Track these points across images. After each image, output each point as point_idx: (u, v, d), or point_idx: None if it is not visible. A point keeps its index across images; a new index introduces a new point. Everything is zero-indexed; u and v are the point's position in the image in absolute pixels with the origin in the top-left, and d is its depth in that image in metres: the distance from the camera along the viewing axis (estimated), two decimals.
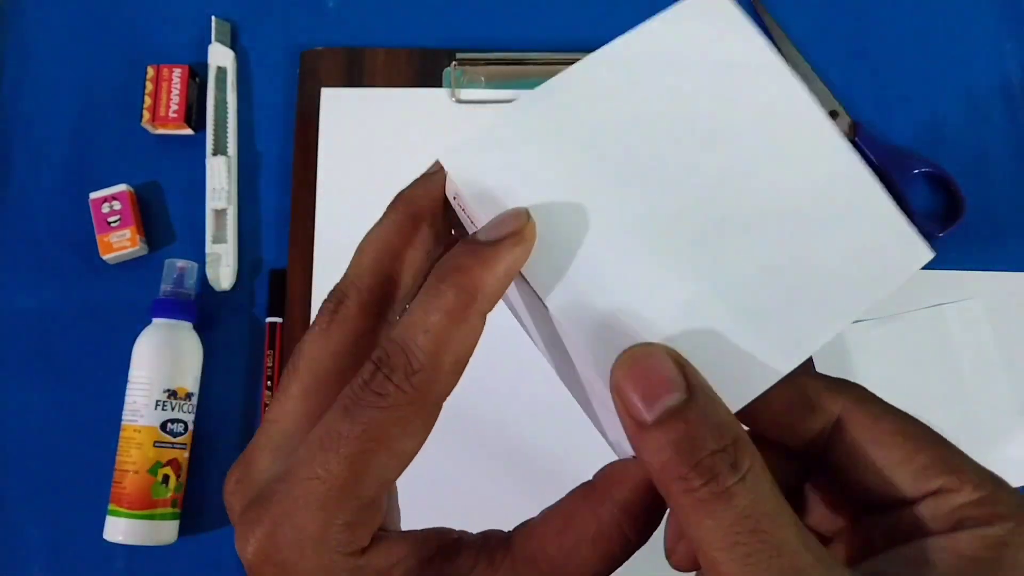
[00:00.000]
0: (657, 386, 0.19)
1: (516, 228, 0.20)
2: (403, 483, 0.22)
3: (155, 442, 0.51)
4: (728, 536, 0.17)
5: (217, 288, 0.57)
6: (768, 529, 0.18)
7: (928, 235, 0.58)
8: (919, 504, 0.20)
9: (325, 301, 0.22)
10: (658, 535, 0.22)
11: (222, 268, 0.57)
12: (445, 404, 0.20)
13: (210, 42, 0.61)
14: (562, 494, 0.22)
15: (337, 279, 0.24)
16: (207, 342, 0.56)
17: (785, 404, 0.22)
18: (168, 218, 0.59)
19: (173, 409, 0.52)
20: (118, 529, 0.51)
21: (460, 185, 0.21)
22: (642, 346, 0.19)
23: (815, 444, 0.22)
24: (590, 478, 0.21)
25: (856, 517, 0.23)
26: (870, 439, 0.21)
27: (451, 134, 0.59)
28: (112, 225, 0.56)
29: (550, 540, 0.20)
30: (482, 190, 0.21)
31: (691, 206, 0.21)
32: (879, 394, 0.22)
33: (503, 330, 0.25)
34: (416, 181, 0.23)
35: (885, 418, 0.21)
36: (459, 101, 0.60)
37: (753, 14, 0.63)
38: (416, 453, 0.20)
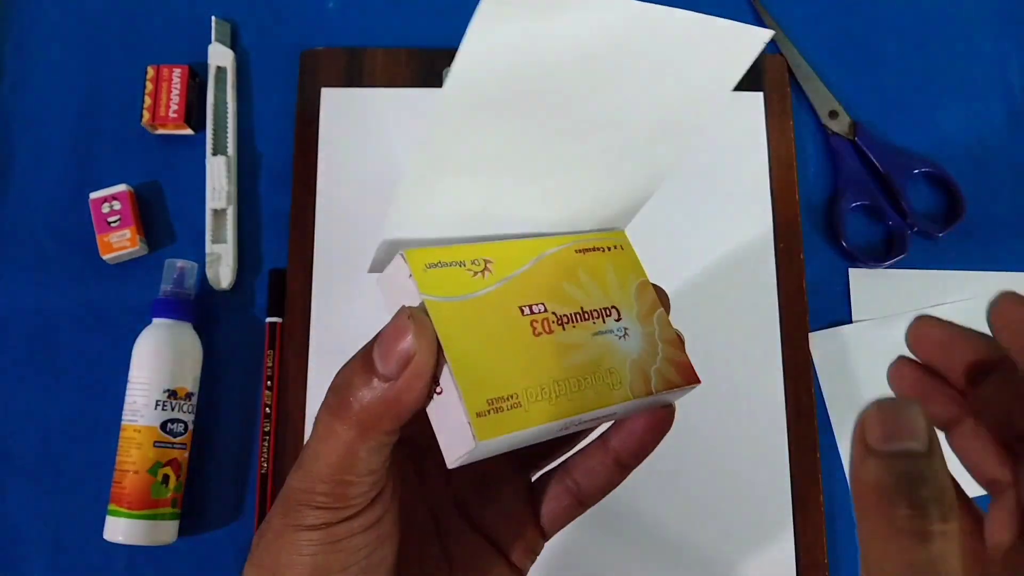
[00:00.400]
0: (901, 429, 0.21)
1: (406, 362, 0.25)
2: None
3: (155, 442, 0.51)
4: (907, 571, 0.20)
5: (217, 288, 0.57)
6: None
7: (928, 235, 0.58)
8: None
9: None
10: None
11: (222, 268, 0.57)
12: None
13: (210, 42, 0.61)
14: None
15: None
16: (207, 342, 0.56)
17: None
18: (168, 218, 0.59)
19: (173, 409, 0.52)
20: (118, 529, 0.51)
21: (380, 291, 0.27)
22: (904, 400, 0.22)
23: None
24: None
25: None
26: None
27: None
28: (112, 225, 0.56)
29: None
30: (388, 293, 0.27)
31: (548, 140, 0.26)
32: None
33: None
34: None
35: None
36: None
37: (752, 13, 0.63)
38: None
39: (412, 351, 0.24)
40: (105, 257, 0.56)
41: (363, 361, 0.25)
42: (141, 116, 0.59)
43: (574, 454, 0.33)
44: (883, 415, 0.21)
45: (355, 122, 0.59)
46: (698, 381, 0.31)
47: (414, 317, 0.24)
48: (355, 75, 0.60)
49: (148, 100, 0.59)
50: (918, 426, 0.21)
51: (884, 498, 0.20)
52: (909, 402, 0.22)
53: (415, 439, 0.29)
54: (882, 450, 0.21)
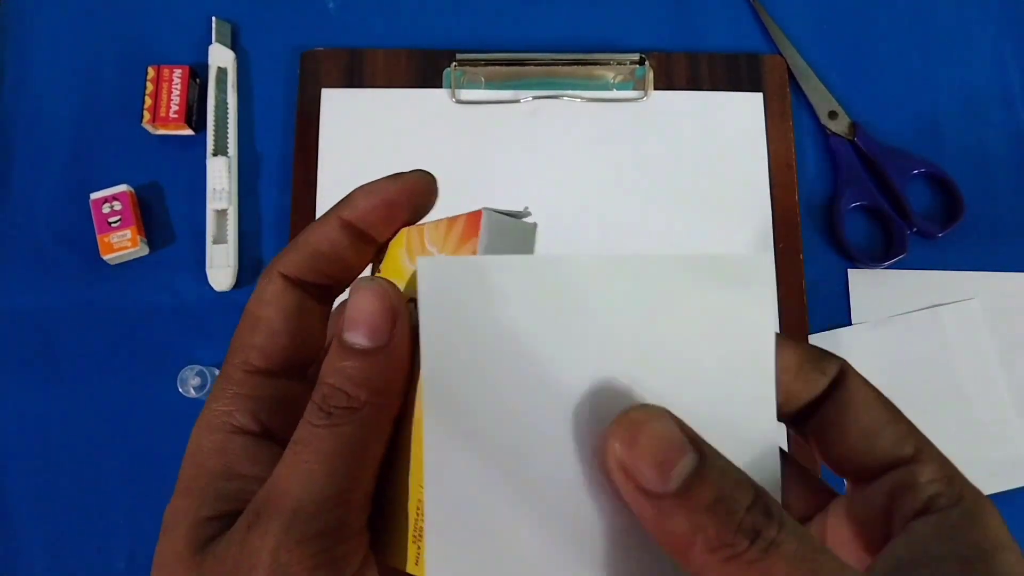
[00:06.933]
0: (668, 451, 0.17)
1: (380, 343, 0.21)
2: None
3: None
4: None
5: (217, 288, 0.57)
6: (822, 566, 0.17)
7: (928, 235, 0.58)
8: (893, 473, 0.21)
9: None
10: None
11: (222, 268, 0.57)
12: None
13: (210, 43, 0.61)
14: None
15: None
16: (206, 343, 0.56)
17: (790, 365, 0.22)
18: (169, 218, 0.59)
19: None
20: None
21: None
22: (639, 410, 0.18)
23: (806, 408, 0.23)
24: None
25: (824, 502, 0.23)
26: (861, 401, 0.21)
27: (451, 134, 0.59)
28: (113, 225, 0.57)
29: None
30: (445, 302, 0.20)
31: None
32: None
33: None
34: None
35: (869, 385, 0.22)
36: (459, 102, 0.60)
37: (752, 14, 0.63)
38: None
39: None
40: (106, 257, 0.56)
41: None
42: (142, 117, 0.59)
43: None
44: (639, 444, 0.17)
45: (355, 122, 0.59)
46: None
47: None
48: (355, 76, 0.60)
49: (149, 101, 0.59)
50: (674, 434, 0.18)
51: (715, 544, 0.17)
52: (647, 409, 0.18)
53: None
54: (670, 492, 0.17)
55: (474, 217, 0.21)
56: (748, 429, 0.20)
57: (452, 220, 0.22)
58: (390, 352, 0.21)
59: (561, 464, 0.19)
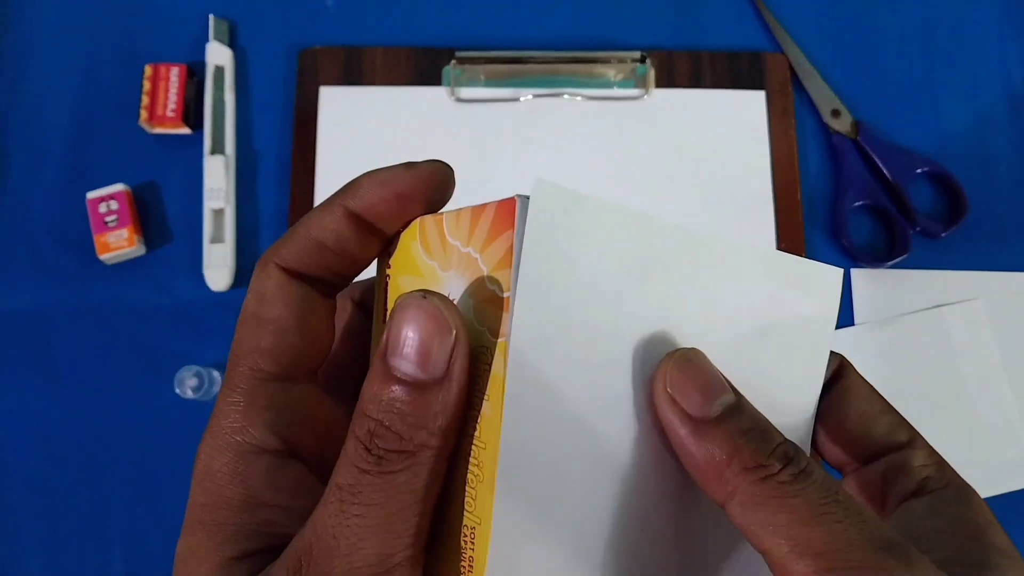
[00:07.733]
0: (713, 383, 0.19)
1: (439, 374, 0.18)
2: None
3: None
4: (815, 509, 0.18)
5: (214, 288, 0.57)
6: (846, 497, 0.18)
7: (931, 235, 0.58)
8: (888, 458, 0.22)
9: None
10: None
11: (220, 268, 0.57)
12: None
13: (208, 41, 0.60)
14: None
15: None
16: (204, 343, 0.55)
17: None
18: (166, 218, 0.58)
19: None
20: None
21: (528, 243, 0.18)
22: (690, 350, 0.20)
23: None
24: None
25: None
26: (859, 392, 0.23)
27: (450, 132, 0.59)
28: (109, 225, 0.56)
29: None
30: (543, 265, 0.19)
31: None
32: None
33: None
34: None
35: (864, 379, 0.23)
36: (458, 100, 0.59)
37: (754, 11, 0.63)
38: None
39: None
40: (102, 257, 0.56)
41: None
42: (139, 115, 0.58)
43: None
44: (691, 375, 0.19)
45: (354, 121, 0.59)
46: None
47: None
48: (354, 73, 0.60)
49: (146, 99, 0.58)
50: (717, 374, 0.19)
51: (750, 465, 0.18)
52: (695, 351, 0.20)
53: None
54: (711, 416, 0.19)
55: (506, 206, 0.19)
56: (783, 417, 0.21)
57: (478, 210, 0.20)
58: (449, 384, 0.18)
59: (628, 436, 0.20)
